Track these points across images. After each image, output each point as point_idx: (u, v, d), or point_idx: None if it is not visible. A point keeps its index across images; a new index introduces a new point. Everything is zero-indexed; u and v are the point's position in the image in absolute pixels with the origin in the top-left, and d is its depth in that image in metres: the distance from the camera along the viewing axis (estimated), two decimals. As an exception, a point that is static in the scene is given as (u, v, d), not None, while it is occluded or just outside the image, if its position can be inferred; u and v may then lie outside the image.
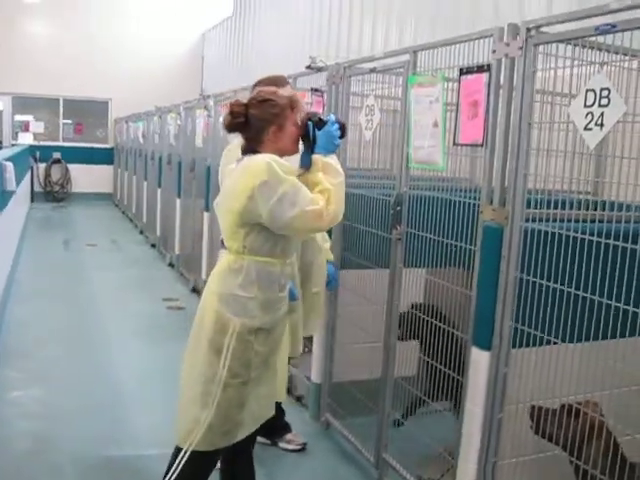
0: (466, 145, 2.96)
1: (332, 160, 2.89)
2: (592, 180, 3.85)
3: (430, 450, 3.52)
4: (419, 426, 3.78)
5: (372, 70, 3.79)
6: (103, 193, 17.75)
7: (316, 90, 4.38)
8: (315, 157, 2.87)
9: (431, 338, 3.41)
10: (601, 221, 2.95)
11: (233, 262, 2.84)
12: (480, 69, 2.83)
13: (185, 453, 2.83)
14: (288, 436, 4.06)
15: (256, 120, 2.81)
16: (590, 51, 2.60)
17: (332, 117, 2.92)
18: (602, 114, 2.27)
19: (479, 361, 2.83)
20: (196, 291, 7.91)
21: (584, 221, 2.83)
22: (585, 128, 2.33)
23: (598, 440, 2.41)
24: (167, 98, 12.38)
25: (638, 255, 2.35)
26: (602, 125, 2.27)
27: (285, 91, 2.99)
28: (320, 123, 2.88)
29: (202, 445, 2.83)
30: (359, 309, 4.16)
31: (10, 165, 7.23)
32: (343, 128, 2.95)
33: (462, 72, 2.94)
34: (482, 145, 2.82)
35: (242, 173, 2.78)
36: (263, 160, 2.73)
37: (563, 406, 2.56)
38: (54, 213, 15.54)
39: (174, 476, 2.86)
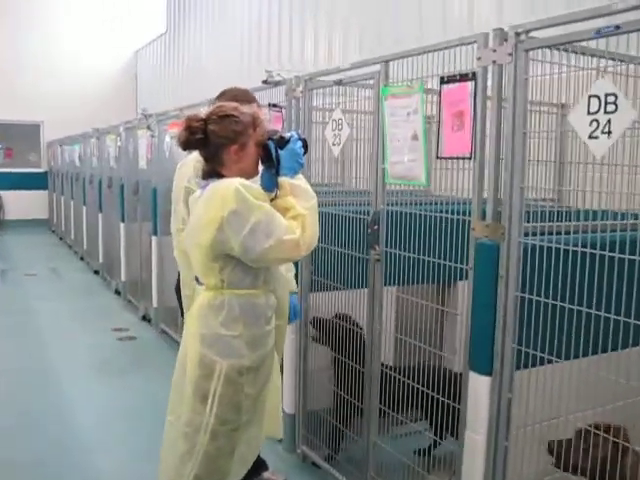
0: (451, 158, 2.79)
1: (300, 181, 2.68)
2: (557, 188, 3.79)
3: (414, 472, 3.36)
4: (400, 449, 3.62)
5: (338, 82, 3.60)
6: (38, 219, 17.09)
7: (274, 105, 4.17)
8: (282, 180, 2.65)
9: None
10: (585, 231, 2.83)
11: (213, 299, 2.61)
12: (463, 77, 2.67)
13: None
14: (266, 474, 3.78)
15: (216, 137, 2.57)
16: (576, 57, 2.50)
17: (294, 134, 2.72)
18: (609, 121, 2.13)
19: (479, 387, 2.66)
20: (146, 319, 7.58)
21: (575, 232, 2.70)
22: (590, 136, 2.19)
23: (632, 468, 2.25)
24: (101, 119, 12.03)
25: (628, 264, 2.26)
26: (610, 132, 2.13)
27: (248, 107, 2.77)
28: (282, 141, 2.67)
29: None
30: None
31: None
32: (305, 144, 2.76)
33: (443, 81, 2.77)
34: (470, 157, 2.66)
35: (208, 201, 2.55)
36: (231, 186, 2.49)
37: (579, 432, 2.39)
38: (-13, 242, 14.90)
39: None
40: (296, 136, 2.72)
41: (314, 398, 4.09)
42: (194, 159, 3.40)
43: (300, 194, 2.63)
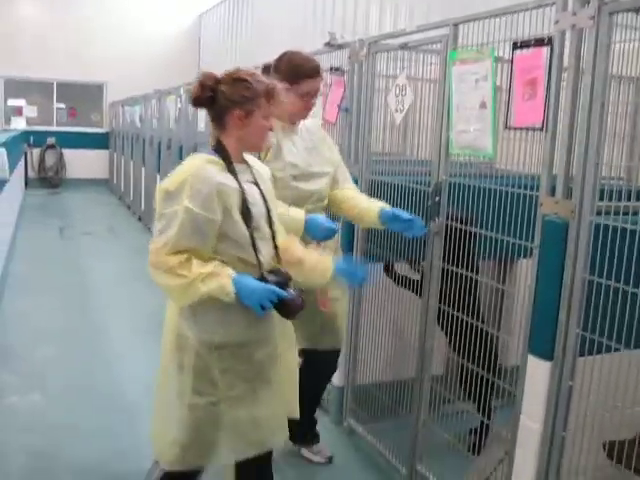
0: (521, 129, 2.63)
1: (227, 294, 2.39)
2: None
3: (462, 455, 3.26)
4: (447, 428, 3.50)
5: (403, 46, 3.44)
6: (99, 179, 17.33)
7: (336, 69, 4.03)
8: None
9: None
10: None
11: None
12: (539, 43, 2.50)
13: (161, 471, 2.66)
14: (315, 447, 3.75)
15: (223, 99, 2.43)
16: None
17: (289, 294, 2.46)
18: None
19: (538, 372, 2.52)
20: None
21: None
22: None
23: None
24: (163, 81, 12.04)
25: None
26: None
27: (267, 78, 2.54)
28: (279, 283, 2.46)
29: (176, 464, 2.57)
30: (384, 306, 3.86)
31: (3, 151, 6.89)
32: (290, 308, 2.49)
33: (516, 46, 2.60)
34: (542, 129, 2.49)
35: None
36: (188, 170, 2.39)
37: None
38: (49, 200, 15.13)
39: None
40: (287, 296, 2.45)
41: (364, 371, 4.01)
42: None
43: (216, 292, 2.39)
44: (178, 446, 2.53)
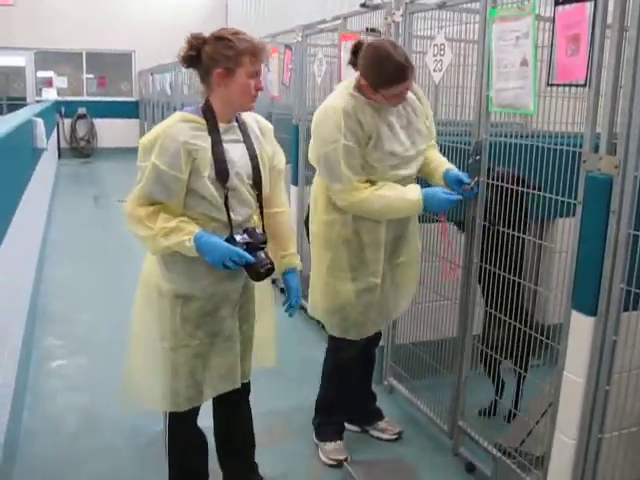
0: (564, 85, 2.62)
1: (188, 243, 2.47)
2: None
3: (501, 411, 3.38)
4: (486, 385, 3.60)
5: (440, 5, 3.42)
6: (130, 147, 17.41)
7: (372, 30, 4.02)
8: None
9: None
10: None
11: None
12: (582, -3, 2.48)
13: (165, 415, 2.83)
14: (381, 424, 3.73)
15: (206, 58, 2.46)
16: None
17: (256, 259, 2.50)
18: None
19: (581, 328, 2.54)
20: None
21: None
22: None
23: None
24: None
25: None
26: None
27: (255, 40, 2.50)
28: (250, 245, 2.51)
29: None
30: (424, 266, 3.88)
31: (40, 121, 6.97)
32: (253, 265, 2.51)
33: (557, 2, 2.58)
34: (585, 85, 2.49)
35: None
36: (161, 128, 2.47)
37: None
38: (81, 169, 15.35)
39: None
40: (249, 259, 2.48)
41: (404, 330, 4.06)
42: (341, 110, 2.97)
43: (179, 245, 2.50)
44: (154, 390, 2.69)
